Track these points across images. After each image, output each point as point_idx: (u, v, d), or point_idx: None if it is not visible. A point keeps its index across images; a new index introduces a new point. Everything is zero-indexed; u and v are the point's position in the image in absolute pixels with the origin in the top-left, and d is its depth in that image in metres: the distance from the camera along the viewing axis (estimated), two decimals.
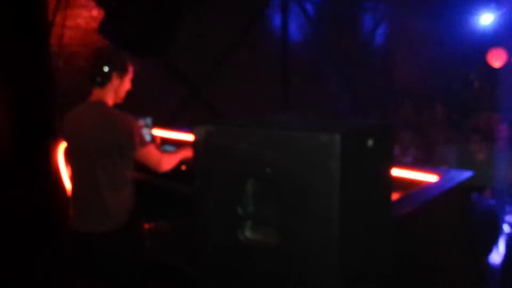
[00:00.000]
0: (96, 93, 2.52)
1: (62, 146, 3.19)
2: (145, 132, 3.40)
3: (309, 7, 7.79)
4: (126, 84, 2.59)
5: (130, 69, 2.58)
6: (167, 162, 2.59)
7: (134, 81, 2.73)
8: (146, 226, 3.16)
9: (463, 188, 2.38)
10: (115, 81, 2.52)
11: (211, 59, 6.49)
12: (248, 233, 1.48)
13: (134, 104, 4.58)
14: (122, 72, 2.53)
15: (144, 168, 3.20)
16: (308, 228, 1.37)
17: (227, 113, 6.31)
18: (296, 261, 1.39)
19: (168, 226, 3.14)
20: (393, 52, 9.72)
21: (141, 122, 3.42)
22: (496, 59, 9.17)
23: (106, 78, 2.48)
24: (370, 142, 1.44)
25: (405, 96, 8.32)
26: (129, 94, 2.69)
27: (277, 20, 7.37)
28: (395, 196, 2.15)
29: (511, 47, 9.25)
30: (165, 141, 3.54)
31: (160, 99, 5.78)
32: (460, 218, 2.33)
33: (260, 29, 6.99)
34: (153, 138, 3.44)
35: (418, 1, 8.73)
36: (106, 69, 2.46)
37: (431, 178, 2.40)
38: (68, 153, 2.61)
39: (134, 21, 5.23)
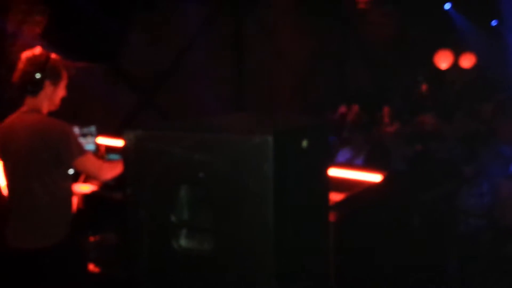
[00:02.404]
0: (29, 102, 2.39)
1: None
2: (89, 141, 3.29)
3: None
4: (61, 91, 2.47)
5: (64, 75, 2.47)
6: (108, 170, 2.49)
7: (80, 89, 2.61)
8: (92, 239, 3.04)
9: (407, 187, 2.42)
10: (48, 88, 2.40)
11: (163, 64, 6.40)
12: (182, 242, 1.43)
13: (80, 112, 4.45)
14: (55, 79, 2.41)
15: (88, 179, 3.10)
16: (243, 232, 1.33)
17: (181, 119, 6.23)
18: (232, 267, 1.36)
19: (115, 237, 3.04)
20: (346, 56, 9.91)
21: (84, 130, 3.31)
22: (443, 60, 9.50)
23: (39, 86, 2.36)
24: (304, 143, 1.43)
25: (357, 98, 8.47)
26: (75, 102, 2.58)
27: (232, 24, 7.37)
28: (339, 197, 2.14)
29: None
30: (110, 150, 3.43)
31: (109, 106, 5.64)
32: (404, 218, 2.36)
33: (213, 32, 6.96)
34: (97, 147, 3.32)
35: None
36: (38, 76, 2.34)
37: (375, 178, 2.41)
38: (3, 166, 2.47)
39: (81, 25, 5.10)
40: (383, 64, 10.22)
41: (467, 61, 10.39)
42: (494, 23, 10.90)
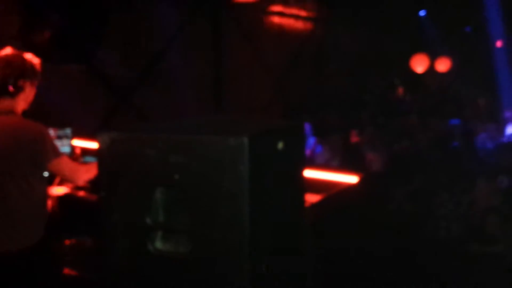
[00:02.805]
0: (5, 103, 2.35)
1: None
2: (64, 143, 3.24)
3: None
4: (34, 89, 2.45)
5: (39, 73, 2.44)
6: (84, 173, 2.46)
7: (56, 91, 2.56)
8: (67, 242, 2.99)
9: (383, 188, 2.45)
10: (27, 89, 2.38)
11: (140, 65, 6.34)
12: (158, 244, 1.42)
13: (55, 114, 4.37)
14: (33, 79, 2.39)
15: (63, 182, 3.05)
16: (219, 234, 1.33)
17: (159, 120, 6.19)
18: (208, 269, 1.35)
19: (90, 240, 2.99)
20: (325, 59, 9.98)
21: (60, 133, 3.27)
22: (419, 64, 9.66)
23: (20, 88, 2.34)
24: (280, 145, 1.43)
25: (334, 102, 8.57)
26: (50, 104, 2.54)
27: (210, 25, 7.35)
28: (316, 198, 2.16)
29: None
30: (87, 152, 3.38)
31: (86, 108, 5.55)
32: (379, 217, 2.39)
33: (191, 33, 6.92)
34: (73, 149, 3.28)
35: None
36: (19, 79, 2.30)
37: (351, 179, 2.44)
38: None
39: (56, 26, 5.02)
40: (360, 67, 10.33)
41: (443, 65, 10.60)
42: (467, 29, 11.16)
